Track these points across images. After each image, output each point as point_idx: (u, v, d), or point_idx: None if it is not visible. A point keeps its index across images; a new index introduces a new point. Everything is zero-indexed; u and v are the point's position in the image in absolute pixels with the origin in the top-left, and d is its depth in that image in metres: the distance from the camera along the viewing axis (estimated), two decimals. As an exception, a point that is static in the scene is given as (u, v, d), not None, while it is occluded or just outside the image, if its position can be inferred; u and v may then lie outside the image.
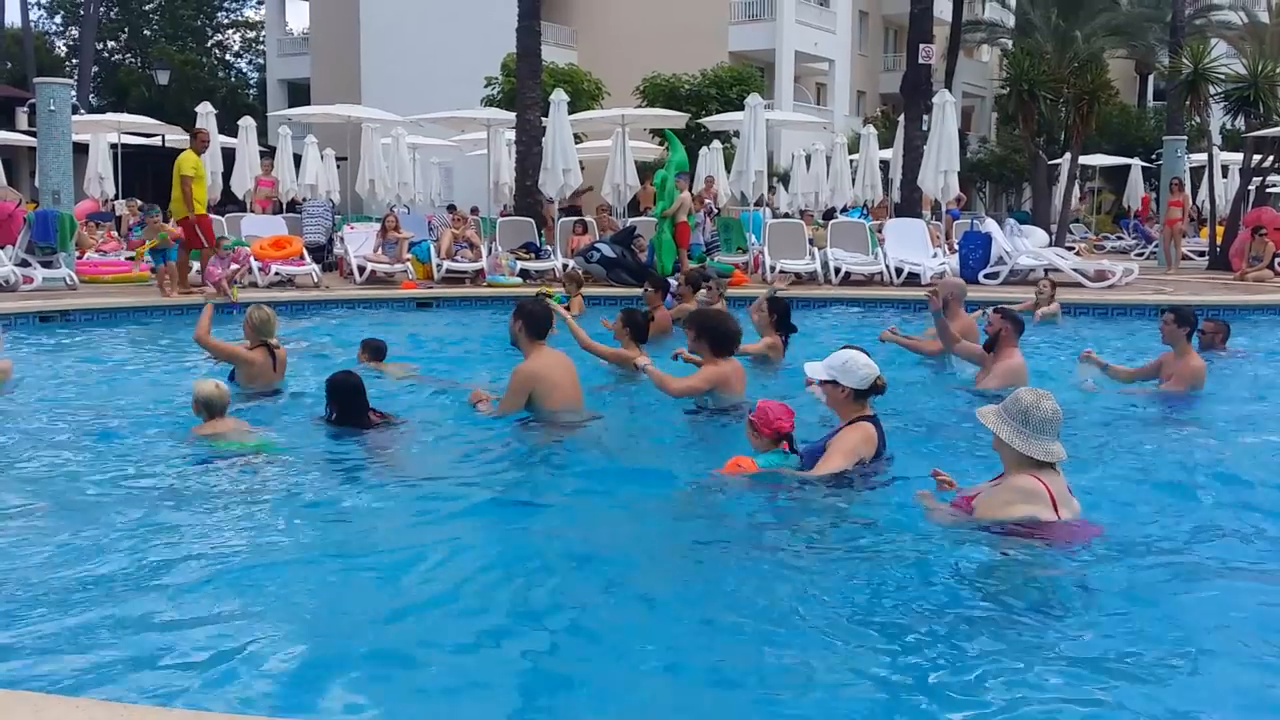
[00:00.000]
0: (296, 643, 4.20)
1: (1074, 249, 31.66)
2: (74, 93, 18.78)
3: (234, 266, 14.97)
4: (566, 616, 4.48)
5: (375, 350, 9.90)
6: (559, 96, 19.59)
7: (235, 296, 14.60)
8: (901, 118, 23.61)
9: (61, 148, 17.49)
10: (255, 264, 17.47)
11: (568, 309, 14.15)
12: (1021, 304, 13.53)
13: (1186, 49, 25.22)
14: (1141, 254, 32.22)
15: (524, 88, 20.92)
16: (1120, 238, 38.50)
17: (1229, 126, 35.46)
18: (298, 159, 28.12)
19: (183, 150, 16.10)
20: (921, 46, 21.75)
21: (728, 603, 4.54)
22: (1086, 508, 5.07)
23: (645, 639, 4.25)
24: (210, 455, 6.84)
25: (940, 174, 19.32)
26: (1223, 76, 25.74)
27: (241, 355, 8.69)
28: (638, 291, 15.82)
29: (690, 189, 21.72)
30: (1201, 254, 27.84)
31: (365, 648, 4.15)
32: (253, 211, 23.59)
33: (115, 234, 22.22)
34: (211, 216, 16.74)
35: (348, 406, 7.29)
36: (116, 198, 26.54)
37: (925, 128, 21.04)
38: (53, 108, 17.38)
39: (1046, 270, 18.94)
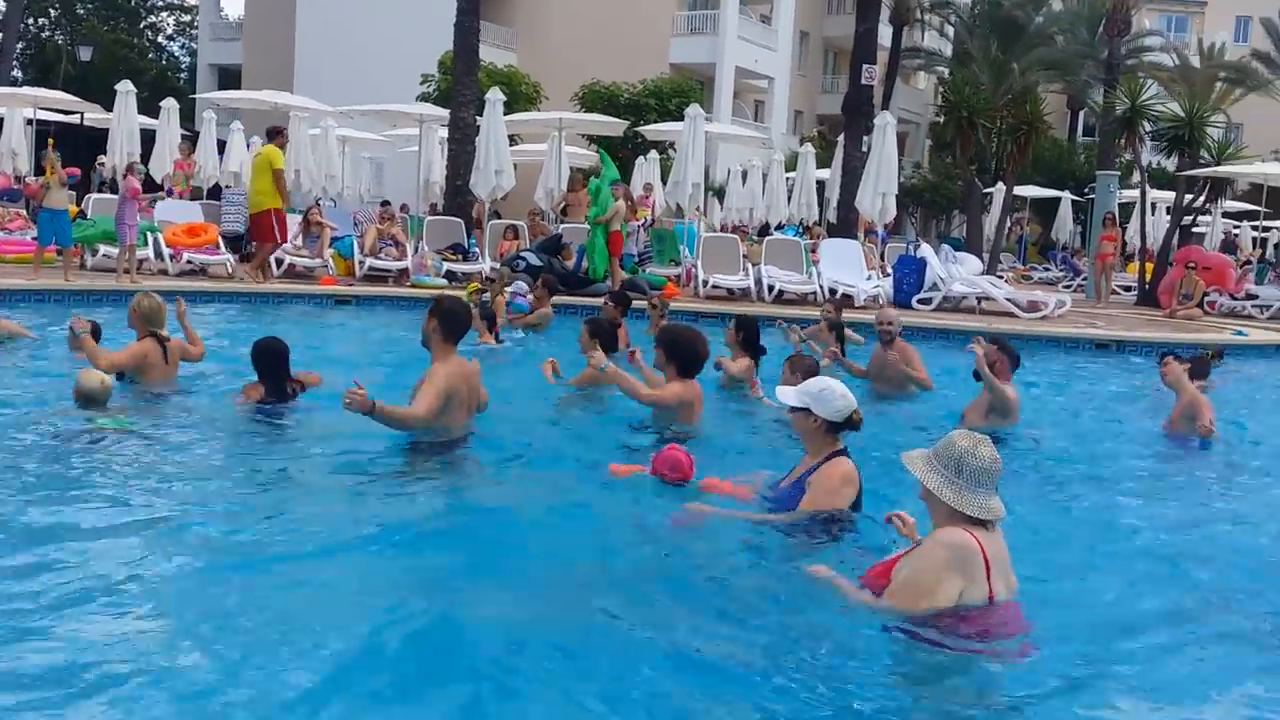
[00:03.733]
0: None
1: (1003, 278, 31.90)
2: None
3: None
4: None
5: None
6: (495, 95, 19.09)
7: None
8: (841, 137, 23.39)
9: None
10: (167, 250, 16.78)
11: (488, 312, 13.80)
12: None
13: (1123, 86, 25.30)
14: (1070, 286, 32.48)
15: (459, 84, 20.35)
16: (1048, 268, 38.83)
17: (1157, 165, 35.82)
18: (222, 145, 27.26)
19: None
20: (865, 67, 21.53)
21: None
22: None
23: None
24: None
25: (879, 195, 19.08)
26: (1157, 115, 25.91)
27: (134, 355, 8.01)
28: (596, 302, 15.38)
29: (628, 197, 21.38)
30: (1129, 289, 28.02)
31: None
32: (169, 196, 22.70)
33: (24, 214, 21.25)
34: None
35: (268, 372, 7.48)
36: (27, 176, 25.50)
37: (865, 149, 20.80)
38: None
39: (979, 299, 18.79)
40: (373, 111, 23.95)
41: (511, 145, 22.97)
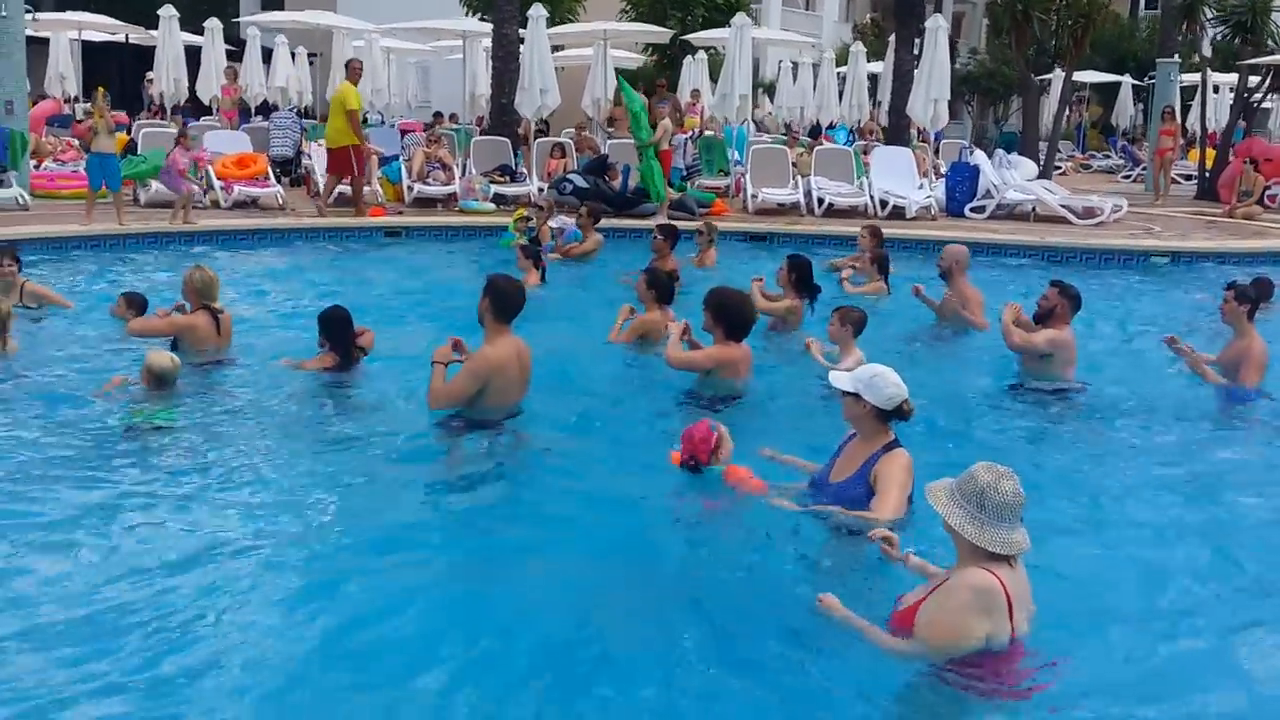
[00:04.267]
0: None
1: (1061, 169, 31.32)
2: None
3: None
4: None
5: (135, 303, 9.21)
6: (537, 11, 18.84)
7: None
8: (892, 39, 22.88)
9: (14, 54, 16.63)
10: (218, 183, 16.90)
11: (535, 241, 13.82)
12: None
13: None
14: (1129, 176, 31.84)
15: (501, 1, 20.07)
16: (1108, 155, 38.02)
17: (1220, 41, 34.72)
18: (267, 54, 27.10)
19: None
20: (915, -34, 21.00)
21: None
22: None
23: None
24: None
25: (930, 102, 18.75)
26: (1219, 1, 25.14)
27: (181, 325, 8.16)
28: (646, 224, 15.38)
29: (675, 108, 21.17)
30: (1189, 178, 27.42)
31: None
32: (219, 123, 22.78)
33: (75, 143, 21.42)
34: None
35: (336, 337, 7.85)
36: (77, 99, 25.64)
37: (918, 51, 20.37)
38: (5, 13, 16.51)
39: (1034, 205, 18.50)
40: (415, 29, 23.66)
41: (556, 52, 22.71)
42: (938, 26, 18.84)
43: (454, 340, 6.82)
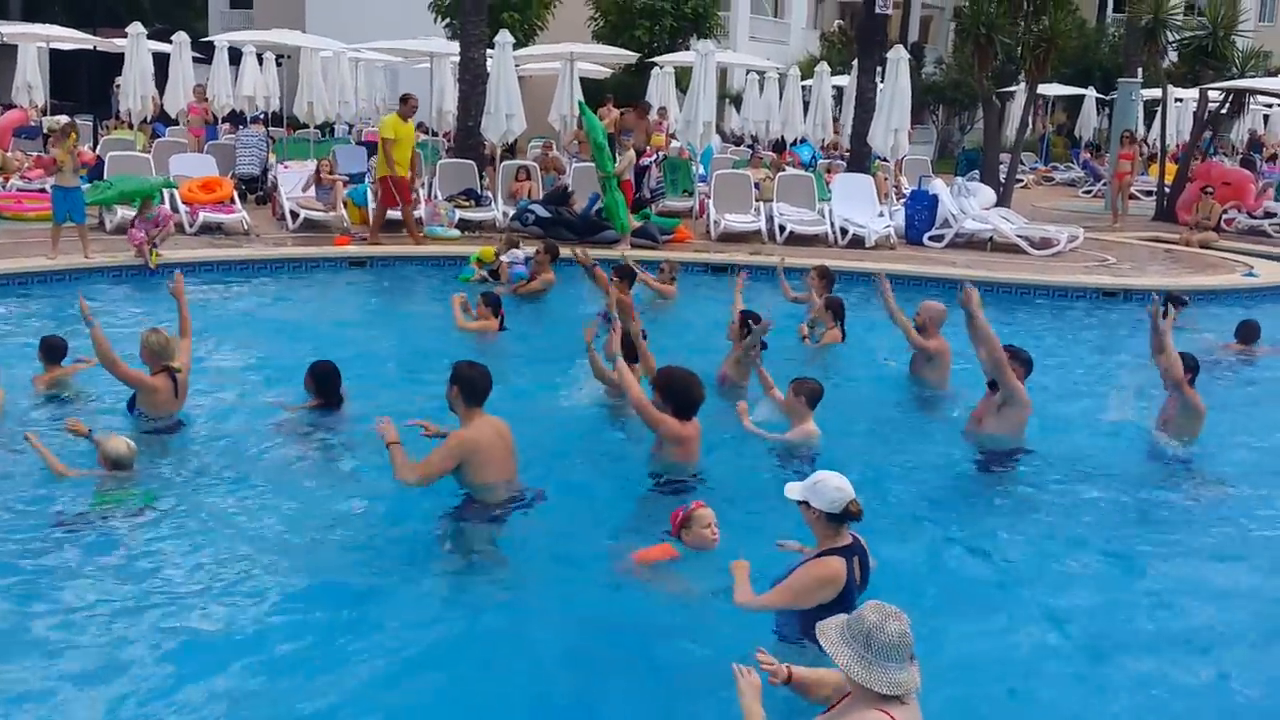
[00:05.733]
0: None
1: (1022, 181, 31.69)
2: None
3: (156, 230, 14.41)
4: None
5: (51, 350, 9.33)
6: (504, 38, 18.97)
7: (154, 262, 14.16)
8: (855, 66, 23.12)
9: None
10: (184, 208, 16.97)
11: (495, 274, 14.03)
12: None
13: (1146, -5, 24.84)
14: (1090, 191, 32.28)
15: (468, 24, 20.20)
16: (1070, 167, 38.48)
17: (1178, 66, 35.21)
18: (235, 55, 26.99)
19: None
20: (879, -4, 21.24)
21: None
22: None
23: None
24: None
25: (891, 132, 18.96)
26: (1180, 25, 25.50)
27: (146, 383, 8.30)
28: (610, 254, 15.61)
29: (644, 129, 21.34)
30: (1149, 193, 27.82)
31: None
32: (186, 139, 22.81)
33: (43, 155, 21.41)
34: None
35: (326, 390, 8.70)
36: (45, 110, 25.59)
37: (879, 80, 20.66)
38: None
39: (991, 235, 18.81)
40: (384, 49, 23.76)
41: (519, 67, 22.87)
42: (899, 57, 19.08)
43: (420, 424, 7.11)
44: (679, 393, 7.54)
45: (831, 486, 5.30)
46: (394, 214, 17.01)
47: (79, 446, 7.55)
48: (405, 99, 17.42)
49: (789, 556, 5.72)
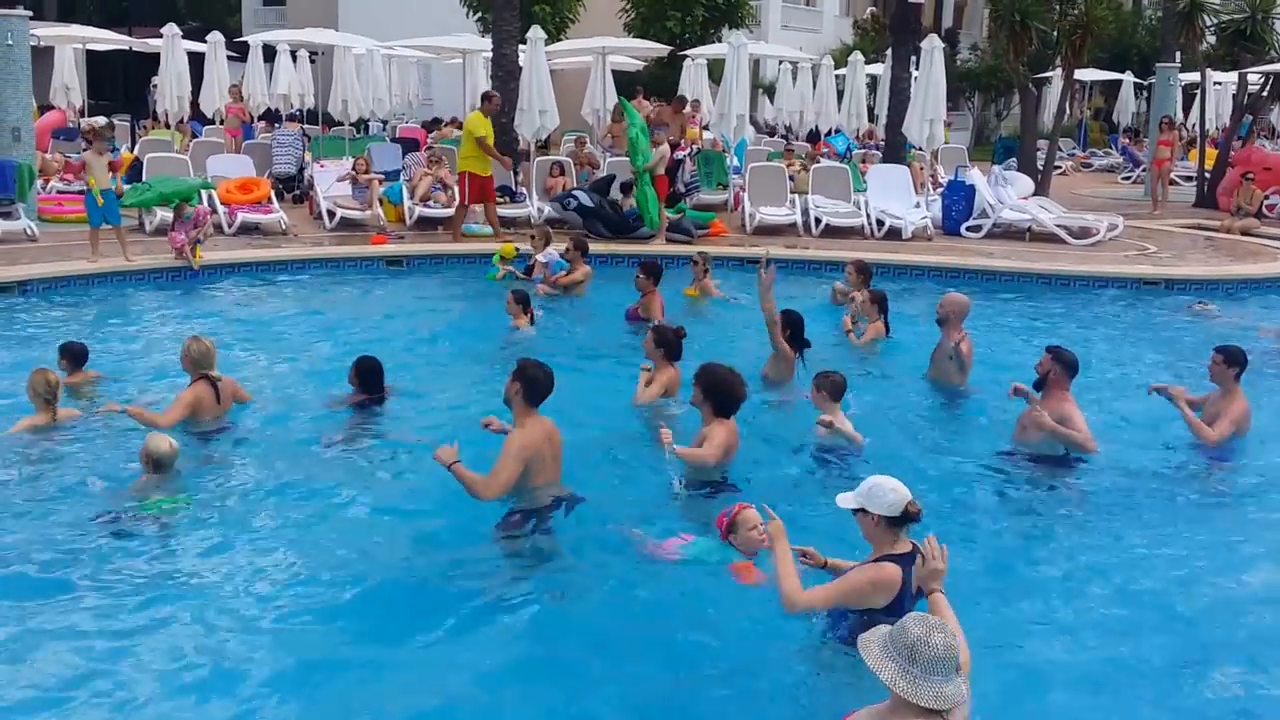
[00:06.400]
0: None
1: (1061, 168, 31.43)
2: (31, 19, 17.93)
3: (195, 230, 14.51)
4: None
5: (75, 356, 9.31)
6: (535, 34, 19.00)
7: (197, 262, 14.28)
8: (889, 55, 23.00)
9: (20, 82, 16.79)
10: (222, 209, 17.08)
11: (529, 270, 14.05)
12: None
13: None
14: (1129, 177, 31.99)
15: (500, 19, 20.22)
16: (1108, 153, 38.13)
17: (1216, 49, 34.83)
18: (269, 52, 27.14)
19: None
20: (912, -16, 21.12)
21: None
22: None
23: None
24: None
25: (925, 122, 18.87)
26: (1218, 7, 25.19)
27: (188, 407, 8.29)
28: (646, 249, 15.68)
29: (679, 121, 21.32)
30: (1189, 179, 27.54)
31: None
32: (223, 138, 22.97)
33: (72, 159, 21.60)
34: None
35: (370, 385, 8.99)
36: (83, 111, 25.82)
37: (914, 70, 20.54)
38: (10, 42, 16.65)
39: (1030, 225, 18.65)
40: (417, 46, 23.83)
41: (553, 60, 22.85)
42: (933, 47, 18.97)
43: (485, 421, 7.13)
44: (721, 391, 7.47)
45: (888, 489, 5.22)
46: (430, 212, 17.06)
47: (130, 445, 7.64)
48: (488, 96, 17.73)
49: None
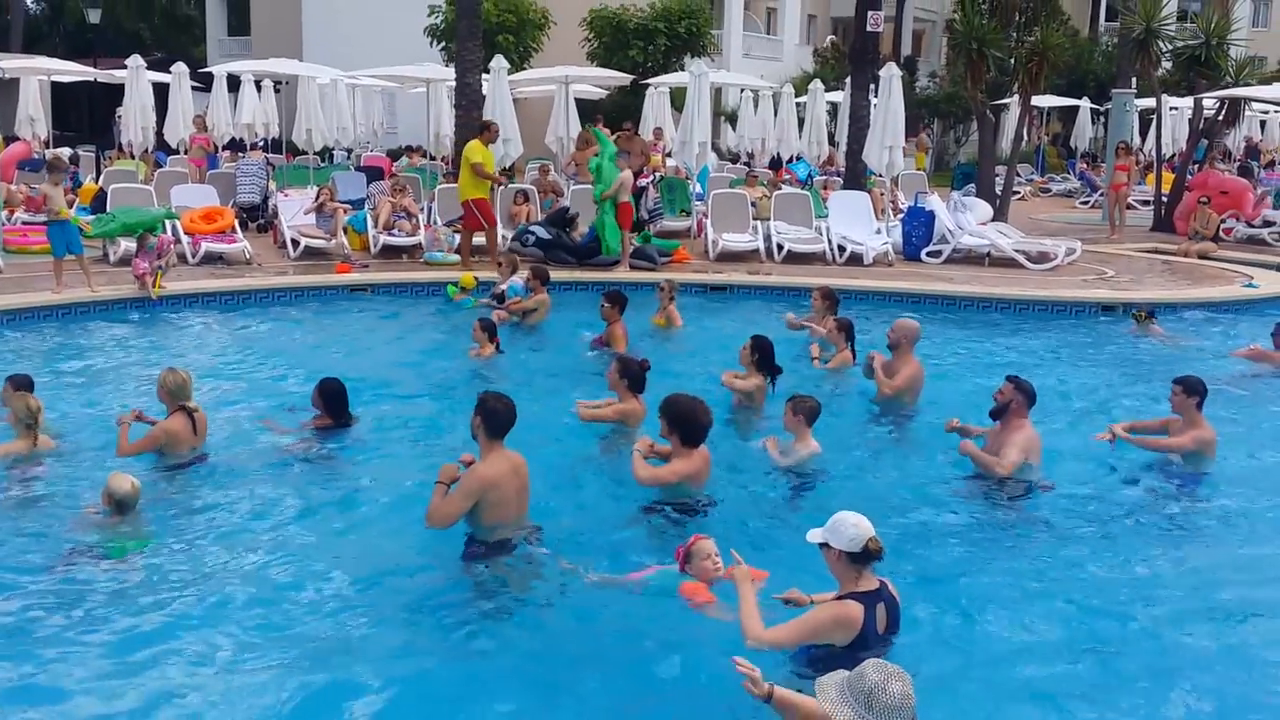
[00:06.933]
0: None
1: (1019, 193, 31.80)
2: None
3: (159, 259, 14.51)
4: None
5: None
6: (499, 63, 19.11)
7: (156, 291, 14.27)
8: (849, 83, 23.27)
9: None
10: (185, 238, 17.06)
11: (499, 298, 14.08)
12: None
13: (1139, 6, 24.91)
14: (1087, 201, 32.40)
15: (463, 48, 20.33)
16: (1066, 177, 38.61)
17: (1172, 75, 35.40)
18: (234, 82, 27.16)
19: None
20: (870, 14, 21.33)
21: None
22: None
23: None
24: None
25: (885, 149, 19.10)
26: (1173, 33, 25.63)
27: (160, 436, 8.34)
28: (608, 276, 15.78)
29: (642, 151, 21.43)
30: (1146, 203, 27.93)
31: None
32: (187, 169, 22.96)
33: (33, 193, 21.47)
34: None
35: (334, 409, 9.05)
36: (48, 143, 25.74)
37: (873, 96, 20.81)
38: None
39: (989, 250, 18.89)
40: (382, 75, 23.94)
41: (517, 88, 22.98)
42: (892, 75, 19.24)
43: (466, 459, 6.95)
44: (687, 420, 7.52)
45: (849, 524, 5.27)
46: (394, 240, 17.10)
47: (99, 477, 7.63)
48: (488, 125, 18.01)
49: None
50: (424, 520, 6.71)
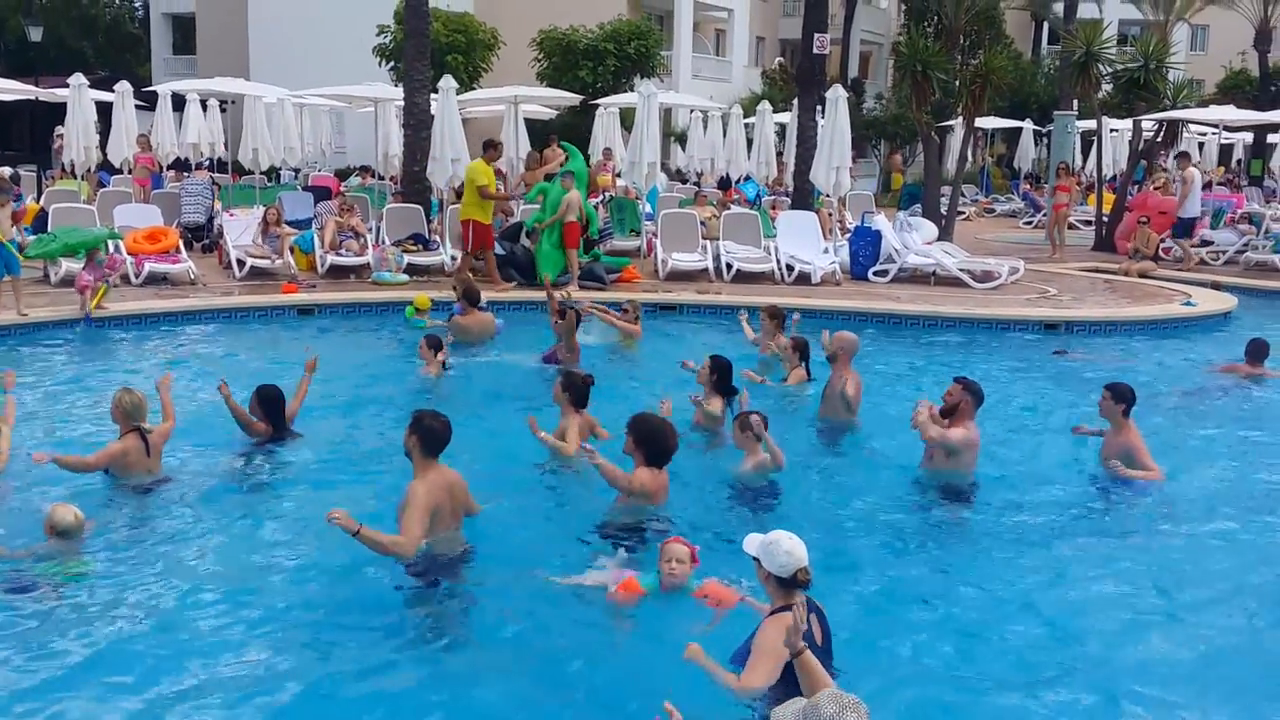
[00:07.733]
0: None
1: (964, 214, 32.15)
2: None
3: (107, 274, 14.35)
4: None
5: None
6: (447, 83, 19.07)
7: (93, 308, 14.10)
8: (796, 104, 23.45)
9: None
10: (129, 259, 16.86)
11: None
12: None
13: (1079, 31, 25.37)
14: (1030, 222, 32.82)
15: (412, 69, 20.26)
16: (1010, 198, 39.11)
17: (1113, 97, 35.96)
18: (179, 101, 26.91)
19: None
20: (816, 36, 21.51)
21: None
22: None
23: None
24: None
25: (832, 170, 19.24)
26: (1113, 57, 26.07)
27: (115, 455, 8.20)
28: (539, 295, 15.75)
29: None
30: (1088, 223, 28.34)
31: None
32: (131, 188, 22.72)
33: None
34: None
35: (272, 417, 9.13)
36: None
37: (820, 118, 21.00)
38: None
39: (934, 269, 19.06)
40: (329, 95, 23.83)
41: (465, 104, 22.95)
42: (838, 96, 19.39)
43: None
44: (655, 441, 7.54)
45: (783, 550, 5.18)
46: (342, 260, 17.00)
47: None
48: (494, 144, 18.09)
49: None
50: (396, 557, 6.58)
